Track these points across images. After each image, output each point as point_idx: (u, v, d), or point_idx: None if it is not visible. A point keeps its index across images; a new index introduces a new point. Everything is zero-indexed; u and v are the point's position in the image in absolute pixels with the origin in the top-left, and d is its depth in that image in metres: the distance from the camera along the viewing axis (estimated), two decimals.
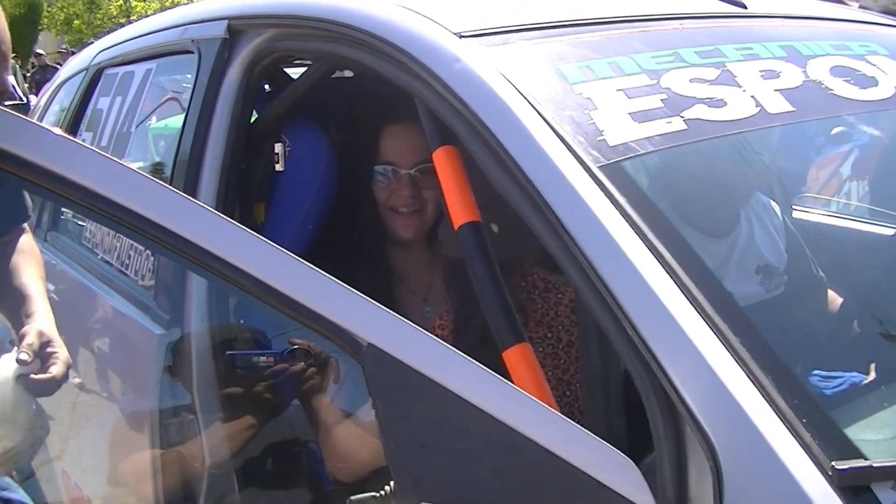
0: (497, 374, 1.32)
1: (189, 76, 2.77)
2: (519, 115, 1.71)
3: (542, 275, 2.57)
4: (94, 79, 3.67)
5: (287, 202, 2.64)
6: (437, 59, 1.88)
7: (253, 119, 2.70)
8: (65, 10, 35.78)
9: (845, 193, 4.59)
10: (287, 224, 2.63)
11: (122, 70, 3.44)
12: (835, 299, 2.63)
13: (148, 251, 2.79)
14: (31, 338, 2.12)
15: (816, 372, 1.82)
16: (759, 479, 1.29)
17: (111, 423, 2.93)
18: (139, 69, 3.27)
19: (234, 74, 2.57)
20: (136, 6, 33.11)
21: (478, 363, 1.30)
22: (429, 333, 1.31)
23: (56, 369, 2.10)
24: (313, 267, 1.31)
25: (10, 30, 2.21)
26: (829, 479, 1.26)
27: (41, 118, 4.47)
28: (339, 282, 1.32)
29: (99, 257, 3.19)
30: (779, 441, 1.29)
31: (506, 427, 1.25)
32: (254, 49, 2.52)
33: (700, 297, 1.45)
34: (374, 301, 1.31)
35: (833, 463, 1.27)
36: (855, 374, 1.89)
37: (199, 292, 2.53)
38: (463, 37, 1.93)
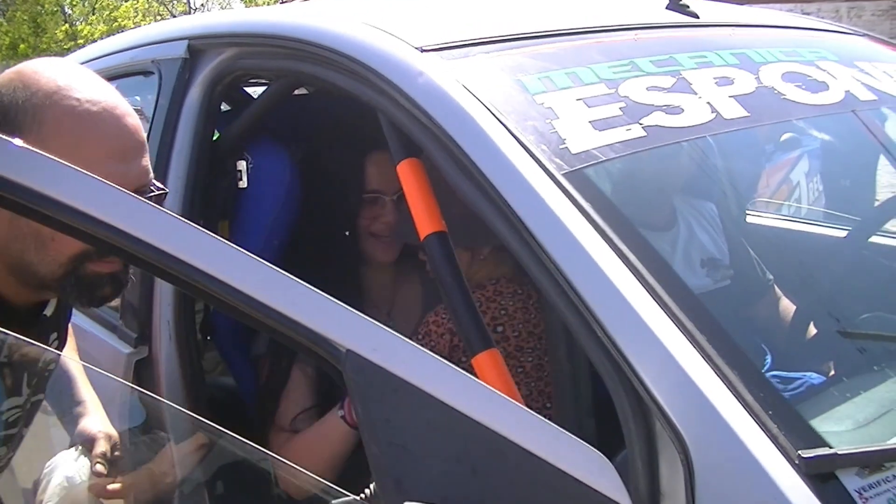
0: (474, 378, 1.35)
1: (150, 97, 2.78)
2: (483, 126, 1.75)
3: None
4: None
5: (252, 219, 2.66)
6: (399, 73, 1.91)
7: (215, 137, 2.72)
8: (10, 34, 35.52)
9: (796, 198, 4.68)
10: (252, 241, 2.63)
11: None
12: (784, 301, 2.68)
13: None
14: (102, 445, 2.09)
15: (775, 373, 1.86)
16: (729, 470, 1.33)
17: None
18: None
19: (195, 94, 2.59)
20: (83, 30, 32.98)
21: (455, 367, 1.34)
22: (406, 339, 1.34)
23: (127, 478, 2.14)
24: (291, 276, 1.34)
25: None
26: (797, 467, 1.30)
27: None
28: (317, 290, 1.34)
29: None
30: (747, 433, 1.33)
31: (484, 428, 1.28)
32: (215, 68, 2.54)
33: (666, 298, 1.49)
34: (351, 308, 1.34)
35: (800, 452, 1.31)
36: (813, 374, 1.94)
37: (165, 310, 2.54)
38: (424, 51, 1.96)
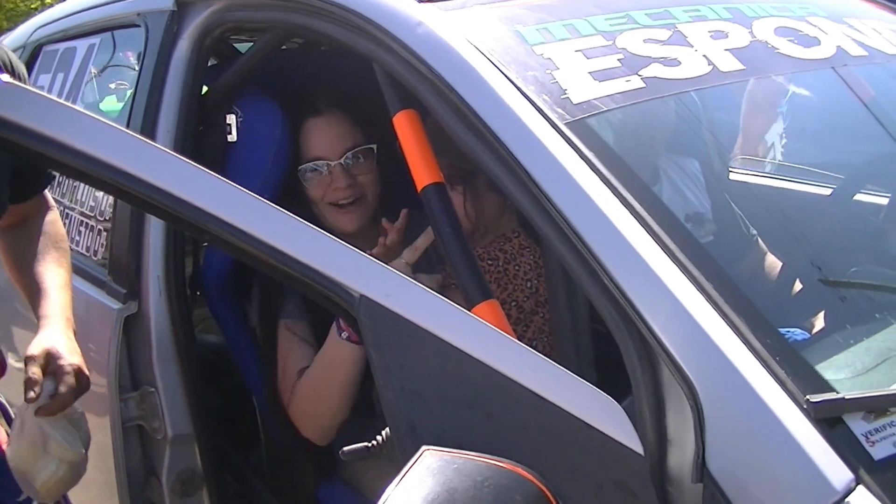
0: (486, 323, 1.36)
1: (136, 51, 2.76)
2: (485, 76, 1.74)
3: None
4: (32, 56, 3.61)
5: (242, 173, 2.62)
6: (398, 23, 1.90)
7: (204, 91, 2.70)
8: None
9: (781, 156, 4.68)
10: None
11: (62, 46, 3.40)
12: (769, 257, 2.69)
13: (100, 227, 2.79)
14: (32, 368, 1.98)
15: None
16: (739, 414, 1.34)
17: None
18: (81, 45, 3.25)
19: (183, 47, 2.58)
20: None
21: (469, 313, 1.34)
22: (421, 285, 1.34)
23: (64, 386, 2.00)
24: (306, 223, 1.34)
25: None
26: (805, 411, 1.31)
27: None
28: (332, 237, 1.34)
29: None
30: (756, 378, 1.34)
31: (497, 373, 1.29)
32: (204, 20, 2.52)
33: (673, 246, 1.49)
34: (365, 254, 1.34)
35: (808, 396, 1.32)
36: (797, 329, 1.95)
37: (154, 265, 2.53)
38: (422, 1, 1.96)
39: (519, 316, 2.54)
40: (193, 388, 2.54)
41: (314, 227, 1.34)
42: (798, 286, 2.40)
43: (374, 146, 2.67)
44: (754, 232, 2.73)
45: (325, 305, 1.34)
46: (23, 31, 3.87)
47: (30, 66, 3.58)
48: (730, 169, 3.37)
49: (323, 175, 2.66)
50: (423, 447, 1.18)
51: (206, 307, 2.86)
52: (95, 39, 3.15)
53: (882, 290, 2.07)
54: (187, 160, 1.37)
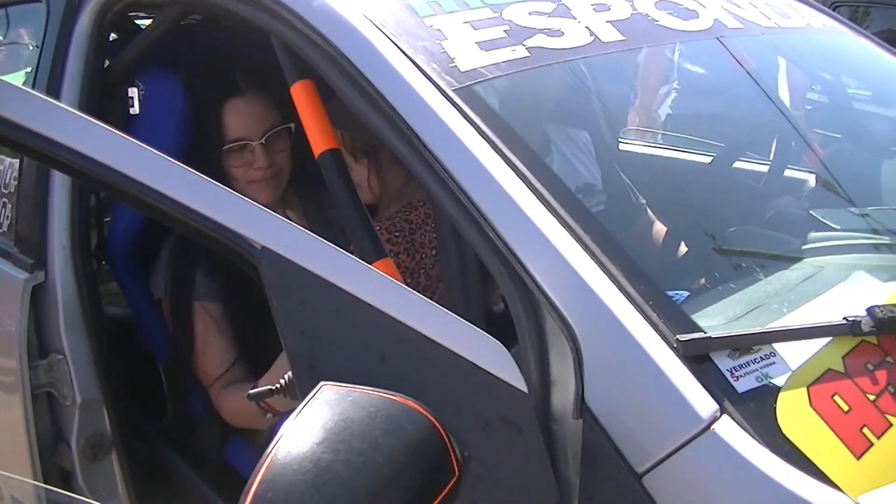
0: (379, 272, 1.46)
1: (37, 26, 2.80)
2: (377, 46, 1.83)
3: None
4: None
5: (145, 143, 2.67)
6: None
7: (106, 65, 2.75)
8: None
9: (667, 126, 4.83)
10: None
11: None
12: (657, 224, 2.82)
13: (4, 199, 2.83)
14: None
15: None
16: (615, 356, 1.45)
17: None
18: None
19: (84, 22, 2.62)
20: None
21: (363, 262, 1.44)
22: (317, 236, 1.43)
23: None
24: (210, 180, 1.42)
25: None
26: (675, 350, 1.43)
27: None
28: (237, 194, 1.43)
29: None
30: (630, 321, 1.46)
31: (390, 318, 1.38)
32: None
33: (552, 201, 1.60)
34: (266, 209, 1.43)
35: (677, 336, 1.44)
36: (684, 291, 2.07)
37: (60, 235, 2.58)
38: None
39: (427, 283, 2.64)
40: (101, 354, 2.61)
41: (221, 185, 1.43)
42: (682, 249, 2.53)
43: (292, 125, 2.76)
44: (642, 201, 2.85)
45: (229, 257, 1.43)
46: None
47: None
48: (619, 140, 3.51)
49: (244, 155, 2.75)
50: (322, 383, 1.27)
51: (111, 283, 2.93)
52: None
53: (756, 249, 2.20)
54: (98, 122, 1.45)
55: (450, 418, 1.33)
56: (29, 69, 2.90)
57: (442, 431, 1.28)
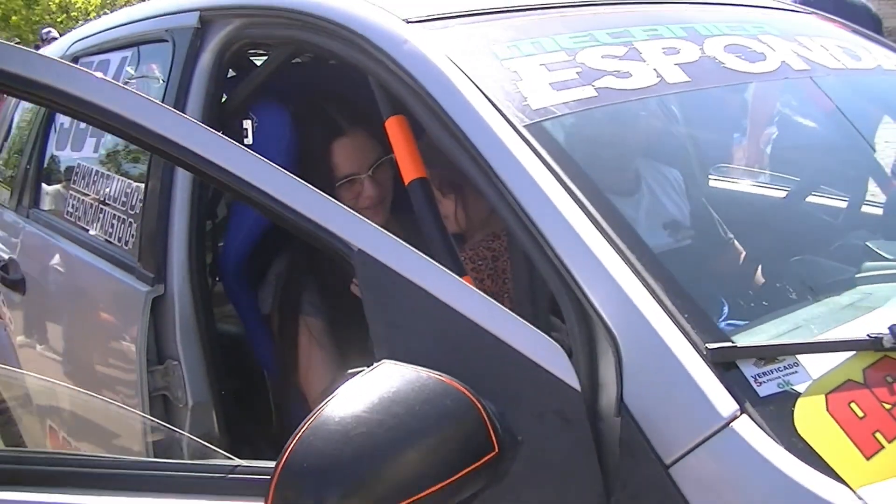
0: (454, 275, 1.68)
1: (165, 63, 3.08)
2: (458, 86, 2.04)
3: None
4: None
5: None
6: (388, 41, 2.21)
7: (223, 100, 3.02)
8: (2, 5, 35.50)
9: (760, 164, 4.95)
10: None
11: (97, 58, 3.71)
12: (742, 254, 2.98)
13: (130, 220, 3.11)
14: None
15: (730, 322, 2.15)
16: (651, 361, 1.63)
17: (99, 373, 3.24)
18: (115, 57, 3.55)
19: (206, 60, 2.88)
20: (76, 1, 32.99)
21: (440, 266, 1.67)
22: (403, 242, 1.67)
23: None
24: (322, 194, 1.70)
25: None
26: (704, 357, 1.61)
27: (15, 107, 4.76)
28: (335, 201, 1.70)
29: (83, 229, 3.50)
30: (665, 330, 1.65)
31: (461, 315, 1.61)
32: (224, 37, 2.84)
33: (608, 229, 1.80)
34: (363, 218, 1.69)
35: (706, 344, 1.63)
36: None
37: (178, 253, 2.85)
38: (410, 22, 2.26)
39: (510, 307, 2.85)
40: (212, 361, 2.85)
41: (330, 197, 1.70)
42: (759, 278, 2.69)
43: (393, 156, 2.99)
44: (731, 235, 3.00)
45: (329, 254, 1.68)
46: (61, 44, 4.21)
47: None
48: (710, 177, 3.67)
49: (354, 187, 3.00)
50: (383, 359, 1.52)
51: (228, 305, 3.21)
52: (128, 52, 3.48)
53: (812, 277, 2.36)
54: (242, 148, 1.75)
55: (508, 407, 1.55)
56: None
57: (481, 409, 1.50)
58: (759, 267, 2.70)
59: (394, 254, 1.65)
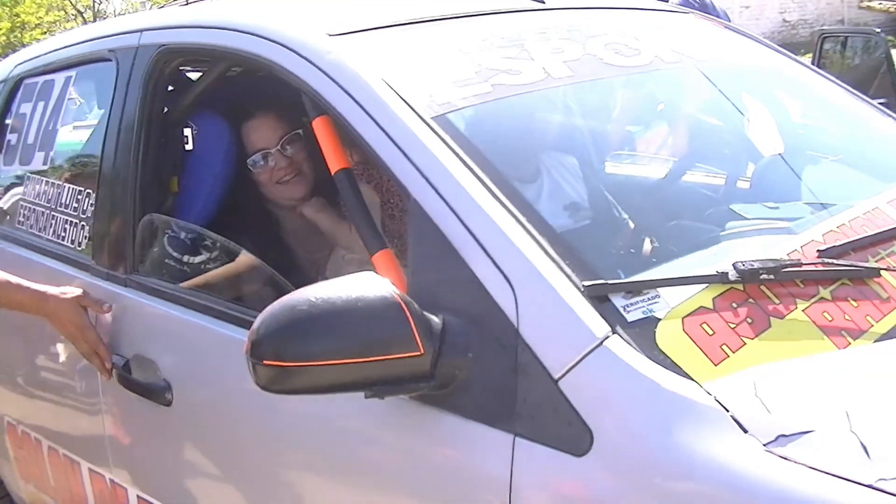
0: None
1: (109, 80, 3.35)
2: (374, 87, 2.39)
3: None
4: (13, 88, 4.16)
5: (197, 174, 3.32)
6: (314, 52, 2.56)
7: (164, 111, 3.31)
8: None
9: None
10: (199, 192, 3.31)
11: (42, 79, 3.95)
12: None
13: (82, 223, 3.39)
14: None
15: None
16: (539, 298, 1.98)
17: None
18: (59, 77, 3.82)
19: (147, 76, 3.16)
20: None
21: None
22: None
23: None
24: None
25: None
26: (582, 293, 1.96)
27: None
28: None
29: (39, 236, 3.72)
30: (550, 274, 2.00)
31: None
32: (162, 55, 3.14)
33: (501, 196, 2.13)
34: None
35: (583, 282, 1.98)
36: None
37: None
38: (332, 35, 2.61)
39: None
40: None
41: None
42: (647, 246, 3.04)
43: (300, 131, 3.39)
44: (626, 216, 3.31)
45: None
46: (4, 66, 4.44)
47: (11, 97, 4.15)
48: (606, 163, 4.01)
49: (267, 161, 3.37)
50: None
51: None
52: (72, 72, 3.76)
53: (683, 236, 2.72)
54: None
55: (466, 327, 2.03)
56: (96, 117, 3.50)
57: (406, 310, 1.92)
58: (646, 234, 3.04)
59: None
